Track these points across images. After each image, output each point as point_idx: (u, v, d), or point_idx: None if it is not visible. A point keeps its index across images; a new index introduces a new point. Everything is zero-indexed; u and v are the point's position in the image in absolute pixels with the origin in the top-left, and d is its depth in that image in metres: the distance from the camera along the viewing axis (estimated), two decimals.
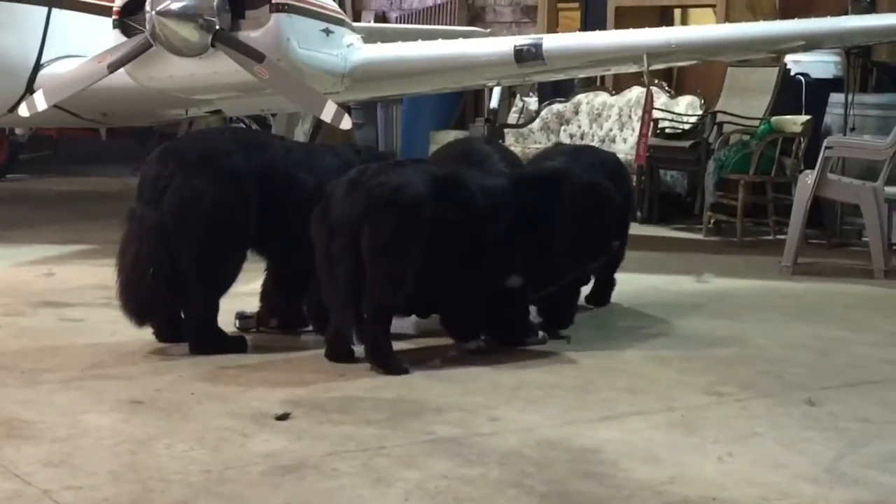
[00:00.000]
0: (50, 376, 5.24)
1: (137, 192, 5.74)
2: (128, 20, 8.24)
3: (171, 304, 5.72)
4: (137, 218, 5.67)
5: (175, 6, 7.92)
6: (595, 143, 10.85)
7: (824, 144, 8.56)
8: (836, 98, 9.93)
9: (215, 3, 7.98)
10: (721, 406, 4.99)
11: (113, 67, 8.15)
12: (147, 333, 5.91)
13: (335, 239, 5.38)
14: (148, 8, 7.98)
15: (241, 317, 6.16)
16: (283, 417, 4.65)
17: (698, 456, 4.33)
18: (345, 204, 5.39)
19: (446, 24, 14.39)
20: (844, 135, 9.39)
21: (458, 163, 6.36)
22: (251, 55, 7.91)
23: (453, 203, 5.51)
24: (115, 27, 8.28)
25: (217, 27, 7.96)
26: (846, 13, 10.11)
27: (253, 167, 5.75)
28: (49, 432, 4.44)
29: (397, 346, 5.55)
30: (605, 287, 6.95)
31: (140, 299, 5.64)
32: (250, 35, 8.09)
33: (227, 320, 5.91)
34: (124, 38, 8.23)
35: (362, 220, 5.32)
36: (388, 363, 5.33)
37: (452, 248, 5.52)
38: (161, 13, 7.92)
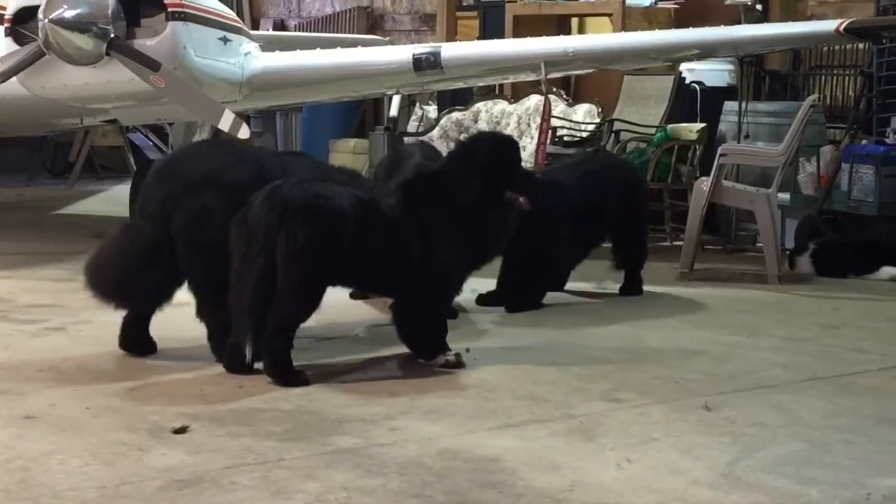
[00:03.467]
0: None
1: (139, 211, 5.80)
2: (20, 28, 8.10)
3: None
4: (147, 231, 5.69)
5: (69, 14, 7.80)
6: None
7: (719, 152, 8.67)
8: (730, 106, 10.08)
9: (110, 11, 7.87)
10: (619, 412, 5.04)
11: (5, 76, 8.00)
12: (41, 346, 5.82)
13: (250, 245, 5.33)
14: (41, 16, 7.84)
15: None
16: (181, 431, 4.61)
17: (597, 463, 4.36)
18: (262, 209, 5.33)
19: (345, 32, 14.36)
20: (738, 142, 9.53)
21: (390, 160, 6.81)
22: (147, 64, 7.81)
23: (374, 229, 5.46)
24: (6, 35, 8.14)
25: (112, 35, 7.85)
26: (739, 22, 10.27)
27: (251, 179, 5.76)
28: None
29: (298, 357, 5.52)
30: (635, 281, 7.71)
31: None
32: (146, 43, 8.00)
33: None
34: (17, 47, 8.09)
35: (278, 225, 5.26)
36: (287, 377, 5.29)
37: (372, 273, 5.51)
38: (54, 21, 7.80)
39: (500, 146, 5.96)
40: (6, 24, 8.16)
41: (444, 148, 11.21)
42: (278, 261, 5.24)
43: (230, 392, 5.21)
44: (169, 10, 8.06)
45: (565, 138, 10.55)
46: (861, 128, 9.43)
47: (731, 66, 10.62)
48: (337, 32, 14.39)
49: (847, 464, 4.41)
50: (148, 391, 5.20)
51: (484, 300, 7.16)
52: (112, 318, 6.56)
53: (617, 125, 10.28)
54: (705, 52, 9.56)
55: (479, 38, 12.26)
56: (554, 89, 10.72)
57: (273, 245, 5.24)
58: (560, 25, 12.25)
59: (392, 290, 5.74)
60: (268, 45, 9.77)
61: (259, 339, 5.33)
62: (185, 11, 8.15)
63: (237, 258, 5.40)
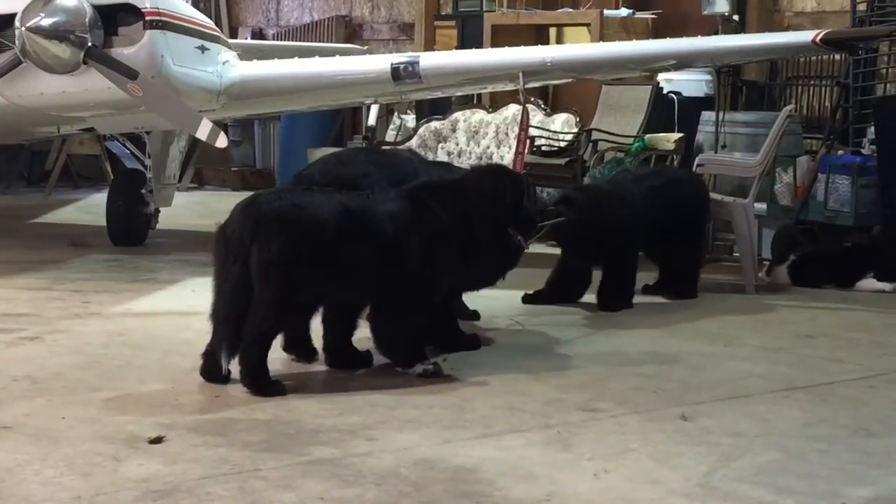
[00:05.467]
0: None
1: None
2: None
3: None
4: None
5: (46, 22, 7.78)
6: (472, 161, 10.89)
7: (696, 162, 8.70)
8: (707, 116, 10.09)
9: (87, 20, 7.85)
10: (596, 422, 5.04)
11: None
12: (17, 356, 5.79)
13: (227, 255, 5.32)
14: (18, 24, 7.83)
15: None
16: (157, 441, 4.59)
17: (574, 473, 4.36)
18: (238, 219, 5.33)
19: (324, 42, 14.35)
20: (716, 152, 9.55)
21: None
22: (124, 72, 7.79)
23: (362, 237, 5.43)
24: None
25: (89, 44, 7.84)
26: (717, 33, 10.30)
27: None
28: None
29: (275, 366, 5.51)
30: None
31: None
32: (123, 52, 7.98)
33: None
34: None
35: (252, 236, 5.25)
36: (263, 387, 5.27)
37: (360, 278, 5.49)
38: (31, 29, 7.78)
39: (515, 183, 6.05)
40: None
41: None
42: (253, 272, 5.22)
43: (206, 402, 5.19)
44: (146, 18, 8.04)
45: (543, 148, 10.56)
46: (837, 138, 9.47)
47: (708, 77, 10.63)
48: (315, 41, 14.38)
49: (823, 473, 4.42)
50: (124, 401, 5.18)
51: (531, 299, 7.59)
52: (88, 328, 6.57)
53: (595, 135, 10.29)
54: (683, 62, 9.59)
55: (457, 48, 12.27)
56: (532, 99, 10.74)
57: (248, 255, 5.22)
58: (538, 35, 12.27)
59: (377, 298, 5.68)
60: (246, 54, 9.76)
61: (234, 349, 5.32)
62: (162, 20, 8.13)
63: (216, 267, 5.40)
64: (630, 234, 7.62)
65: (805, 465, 4.51)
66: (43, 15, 7.79)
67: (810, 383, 5.77)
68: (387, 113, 12.73)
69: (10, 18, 7.92)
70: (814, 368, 6.10)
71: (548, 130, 10.68)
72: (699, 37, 9.31)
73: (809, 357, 6.38)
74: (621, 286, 7.61)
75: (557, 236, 7.51)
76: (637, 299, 7.68)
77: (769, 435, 4.89)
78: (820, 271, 8.49)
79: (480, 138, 11.31)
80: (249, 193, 5.70)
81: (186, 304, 7.17)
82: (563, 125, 10.77)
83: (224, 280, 5.35)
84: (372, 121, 12.31)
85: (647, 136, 10.05)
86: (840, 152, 9.27)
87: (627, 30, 11.27)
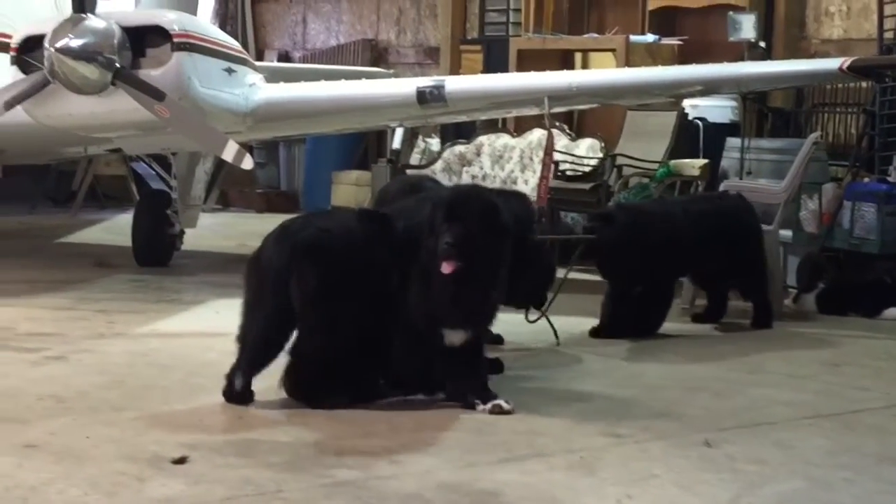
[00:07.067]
0: None
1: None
2: (26, 57, 8.14)
3: None
4: None
5: (75, 44, 7.84)
6: (497, 185, 10.89)
7: (721, 188, 8.68)
8: (732, 142, 10.09)
9: (116, 41, 7.91)
10: (620, 447, 5.02)
11: (10, 105, 8.04)
12: (42, 375, 5.80)
13: (263, 284, 5.36)
14: (47, 45, 7.89)
15: None
16: (181, 461, 4.58)
17: (597, 498, 4.34)
18: (273, 250, 5.38)
19: (350, 65, 14.41)
20: (741, 178, 9.54)
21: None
22: (152, 94, 7.84)
23: (386, 248, 5.44)
24: (12, 64, 8.18)
25: (117, 65, 7.89)
26: (743, 60, 10.30)
27: None
28: None
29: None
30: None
31: None
32: (151, 73, 8.04)
33: None
34: (22, 76, 8.12)
35: (289, 267, 5.29)
36: (318, 398, 5.35)
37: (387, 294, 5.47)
38: (60, 50, 7.84)
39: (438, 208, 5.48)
40: (12, 53, 8.20)
41: (445, 181, 11.24)
42: (294, 302, 5.26)
43: (230, 422, 5.20)
44: (174, 40, 8.10)
45: (568, 173, 10.56)
46: (863, 166, 9.45)
47: (733, 103, 10.64)
48: (341, 65, 14.44)
49: (848, 502, 4.39)
50: (148, 421, 5.18)
51: (596, 333, 7.42)
52: (112, 348, 6.59)
53: (619, 160, 10.30)
54: (709, 88, 9.58)
55: (482, 72, 12.30)
56: (557, 124, 10.74)
57: (283, 286, 5.28)
58: (564, 60, 12.30)
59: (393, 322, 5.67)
60: (272, 77, 9.81)
61: (254, 374, 5.38)
62: (190, 42, 8.19)
63: (249, 292, 5.44)
64: (666, 258, 7.46)
65: (830, 494, 4.48)
66: (72, 36, 7.85)
67: (836, 411, 5.74)
68: (411, 136, 12.77)
69: (39, 39, 7.98)
70: (839, 396, 6.07)
71: (572, 155, 10.68)
72: (725, 63, 9.31)
73: (835, 385, 6.34)
74: (649, 313, 7.50)
75: (591, 257, 7.49)
76: (664, 325, 7.61)
77: (794, 463, 4.86)
78: (848, 301, 8.44)
79: (505, 162, 11.31)
80: (273, 215, 5.73)
81: (211, 325, 7.18)
82: (587, 150, 10.77)
83: (259, 308, 5.38)
84: (397, 144, 12.35)
85: (672, 161, 10.06)
86: (866, 179, 9.26)
87: (653, 55, 11.28)
